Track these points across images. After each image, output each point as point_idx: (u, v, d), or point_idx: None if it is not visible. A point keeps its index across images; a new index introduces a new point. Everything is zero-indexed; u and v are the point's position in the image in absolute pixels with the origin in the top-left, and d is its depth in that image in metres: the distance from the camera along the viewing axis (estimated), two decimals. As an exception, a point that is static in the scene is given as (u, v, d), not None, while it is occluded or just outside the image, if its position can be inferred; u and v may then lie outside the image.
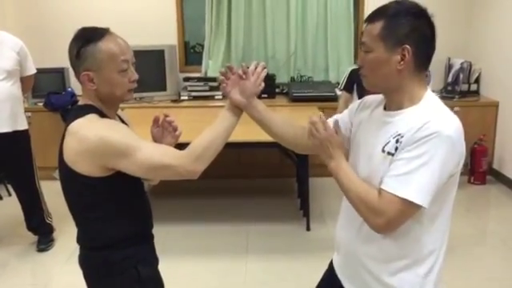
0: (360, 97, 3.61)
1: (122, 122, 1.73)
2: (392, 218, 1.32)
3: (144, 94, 4.89)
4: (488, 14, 5.00)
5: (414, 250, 1.41)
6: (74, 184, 1.57)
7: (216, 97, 5.08)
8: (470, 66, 5.11)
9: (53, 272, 3.31)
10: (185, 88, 5.18)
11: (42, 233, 3.62)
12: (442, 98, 5.07)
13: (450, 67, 5.21)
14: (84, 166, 1.51)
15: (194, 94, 5.10)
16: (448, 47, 5.28)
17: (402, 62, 1.36)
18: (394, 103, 1.44)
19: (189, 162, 1.51)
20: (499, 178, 4.91)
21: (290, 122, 1.71)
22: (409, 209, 1.31)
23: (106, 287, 1.66)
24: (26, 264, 3.45)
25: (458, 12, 5.27)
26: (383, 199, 1.32)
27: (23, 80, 3.53)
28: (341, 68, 5.22)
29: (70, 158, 1.52)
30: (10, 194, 4.46)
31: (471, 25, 5.27)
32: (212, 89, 5.10)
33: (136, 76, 1.60)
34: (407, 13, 1.37)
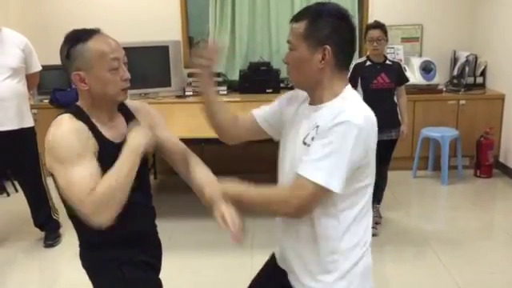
0: (364, 90, 3.61)
1: (129, 116, 1.71)
2: (305, 201, 1.39)
3: (149, 90, 4.90)
4: (493, 7, 4.96)
5: (333, 246, 1.48)
6: (56, 182, 1.58)
7: (220, 92, 5.08)
8: (476, 58, 5.08)
9: (60, 268, 3.33)
10: (189, 84, 5.18)
11: (49, 229, 3.64)
12: (448, 91, 5.08)
13: (455, 60, 5.18)
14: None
15: (198, 89, 5.08)
16: (453, 40, 5.25)
17: (322, 61, 1.44)
18: (316, 98, 1.51)
19: (90, 210, 1.44)
20: (505, 171, 4.88)
21: (229, 109, 1.76)
22: (320, 192, 1.37)
23: (98, 284, 1.70)
24: (33, 260, 3.47)
25: (463, 5, 5.23)
26: (296, 182, 1.40)
27: (29, 77, 3.54)
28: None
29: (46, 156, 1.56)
30: (16, 191, 4.49)
31: (477, 18, 5.23)
32: (216, 84, 5.09)
33: (128, 75, 1.58)
34: (329, 14, 1.44)
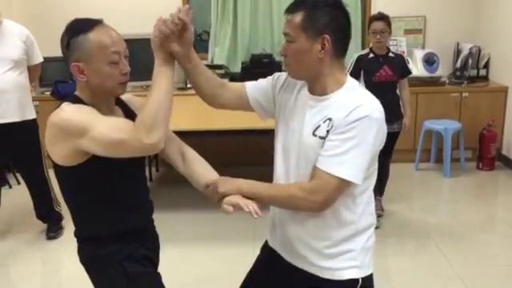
0: (367, 83, 3.59)
1: (126, 109, 1.69)
2: (329, 195, 1.43)
3: (149, 82, 4.76)
4: (497, -2, 4.93)
5: (340, 226, 1.52)
6: (57, 175, 1.58)
7: (222, 84, 5.06)
8: (479, 50, 5.05)
9: (62, 259, 3.33)
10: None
11: (51, 221, 3.65)
12: (451, 83, 5.06)
13: (458, 52, 5.15)
14: (58, 153, 1.50)
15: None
16: (456, 32, 5.22)
17: (322, 51, 1.45)
18: (317, 89, 1.52)
19: (142, 134, 1.38)
20: (508, 163, 4.87)
21: (213, 76, 1.74)
22: (343, 186, 1.43)
23: (97, 280, 1.68)
24: (35, 252, 3.49)
25: (466, -4, 5.21)
26: (319, 178, 1.43)
27: (30, 69, 3.53)
28: (348, 54, 5.17)
29: (48, 148, 1.53)
30: (19, 183, 4.50)
31: (480, 9, 5.20)
32: (218, 76, 5.06)
33: (128, 69, 1.56)
34: (325, 4, 1.45)
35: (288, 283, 1.66)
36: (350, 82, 1.52)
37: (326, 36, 1.43)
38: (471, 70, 5.02)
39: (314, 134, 1.47)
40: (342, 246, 1.54)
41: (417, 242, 3.49)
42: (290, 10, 1.48)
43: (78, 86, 1.59)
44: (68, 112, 1.48)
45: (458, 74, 5.07)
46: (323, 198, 1.43)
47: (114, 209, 1.61)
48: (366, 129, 1.40)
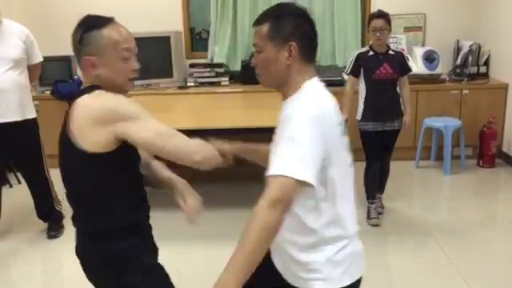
0: (367, 81, 3.59)
1: None
2: (274, 196, 1.29)
3: (150, 81, 4.89)
4: (497, -5, 4.92)
5: (304, 231, 1.50)
6: (78, 162, 1.56)
7: (222, 83, 5.07)
8: (479, 48, 5.05)
9: (63, 258, 3.34)
10: (191, 74, 5.17)
11: (52, 220, 3.65)
12: (451, 81, 5.05)
13: (458, 50, 5.15)
14: (92, 138, 1.51)
15: (200, 80, 5.09)
16: (457, 29, 5.22)
17: (290, 58, 1.49)
18: (285, 94, 1.55)
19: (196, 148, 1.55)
20: (508, 161, 4.87)
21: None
22: (291, 183, 1.30)
23: (110, 278, 1.66)
24: (36, 251, 3.49)
25: (466, -7, 5.20)
26: (268, 184, 1.32)
27: (30, 68, 3.53)
28: (348, 52, 5.18)
29: (77, 132, 1.52)
30: (19, 182, 4.50)
31: (480, 7, 5.20)
32: (218, 75, 5.08)
33: (137, 66, 1.61)
34: (289, 13, 1.51)
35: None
36: (310, 84, 1.51)
37: (293, 43, 1.48)
38: (471, 67, 5.02)
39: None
40: (307, 254, 1.52)
41: (417, 239, 3.49)
42: (257, 22, 1.54)
43: (86, 81, 1.62)
44: (111, 97, 1.54)
45: (458, 71, 5.07)
46: (268, 200, 1.29)
47: (131, 198, 1.64)
48: (296, 125, 1.37)
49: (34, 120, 3.52)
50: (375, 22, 3.49)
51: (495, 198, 4.32)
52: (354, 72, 3.64)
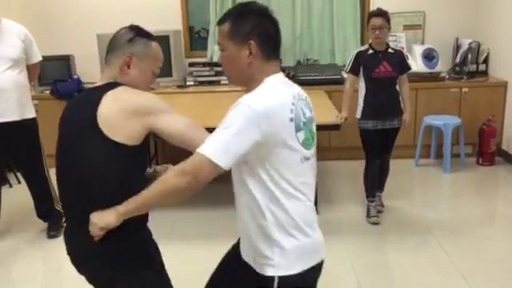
0: (366, 79, 3.59)
1: None
2: (186, 168, 1.46)
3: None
4: (496, -7, 4.92)
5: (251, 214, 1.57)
6: (104, 157, 1.58)
7: (222, 81, 5.06)
8: (479, 46, 5.05)
9: (63, 258, 3.31)
10: (190, 73, 5.17)
11: (52, 220, 3.65)
12: (450, 79, 5.05)
13: (458, 47, 5.15)
14: (126, 130, 1.59)
15: (199, 79, 5.09)
16: (456, 27, 5.22)
17: (250, 56, 1.54)
18: (249, 90, 1.57)
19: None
20: (508, 158, 4.87)
21: None
22: (206, 163, 1.43)
23: (119, 278, 1.67)
24: (36, 250, 3.49)
25: (465, -9, 5.20)
26: (191, 156, 1.47)
27: (29, 68, 3.53)
28: (347, 50, 5.18)
29: (110, 123, 1.58)
30: (19, 182, 4.50)
31: (479, 4, 5.19)
32: (218, 74, 5.08)
33: (154, 84, 1.76)
34: (249, 12, 1.56)
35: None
36: (265, 81, 1.54)
37: (252, 41, 1.52)
38: (471, 65, 5.02)
39: None
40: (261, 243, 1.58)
41: (417, 237, 3.49)
42: (220, 21, 1.58)
43: (105, 77, 1.72)
44: (144, 92, 1.69)
45: (457, 69, 5.06)
46: (181, 170, 1.46)
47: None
48: (236, 114, 1.44)
49: (33, 120, 3.51)
50: (374, 20, 3.49)
51: (495, 196, 4.32)
52: (354, 70, 3.64)
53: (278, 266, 1.56)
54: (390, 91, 3.60)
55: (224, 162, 1.43)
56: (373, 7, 4.68)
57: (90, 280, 1.74)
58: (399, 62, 3.60)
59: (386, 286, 2.94)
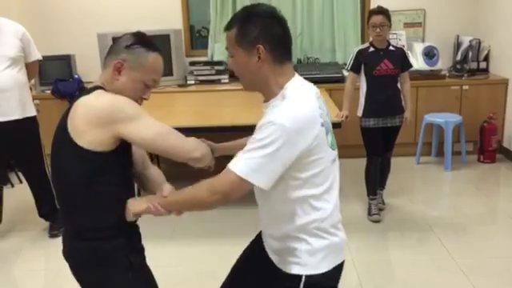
0: (367, 77, 3.59)
1: None
2: (219, 187, 1.47)
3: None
4: (497, -10, 4.92)
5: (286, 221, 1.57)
6: (72, 160, 1.58)
7: (222, 80, 5.07)
8: (479, 43, 5.05)
9: (65, 257, 3.34)
10: (191, 72, 5.17)
11: (54, 219, 3.65)
12: (451, 76, 5.05)
13: (458, 45, 5.15)
14: (91, 136, 1.54)
15: (200, 78, 5.09)
16: (456, 25, 5.22)
17: (260, 61, 1.50)
18: (267, 96, 1.58)
19: (192, 146, 1.61)
20: (509, 156, 4.87)
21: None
22: (237, 182, 1.44)
23: (98, 278, 1.67)
24: (38, 250, 3.50)
25: (466, -11, 5.19)
26: (222, 173, 1.47)
27: (28, 66, 3.53)
28: (348, 48, 5.18)
29: (76, 129, 1.55)
30: (21, 182, 4.51)
31: (479, 2, 5.19)
32: (218, 73, 5.08)
33: (148, 97, 1.69)
34: (256, 16, 1.51)
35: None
36: (289, 86, 1.53)
37: (260, 46, 1.48)
38: (471, 62, 5.02)
39: None
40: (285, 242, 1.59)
41: (418, 234, 3.50)
42: (227, 27, 1.55)
43: (99, 80, 1.67)
44: (112, 97, 1.59)
45: (458, 66, 5.06)
46: (213, 189, 1.48)
47: (121, 198, 1.65)
48: (269, 134, 1.41)
49: (34, 118, 3.52)
50: (375, 18, 3.49)
51: (496, 193, 4.32)
52: (355, 68, 3.64)
53: (305, 265, 1.56)
54: (392, 89, 3.60)
55: (262, 183, 1.43)
56: (373, 5, 4.67)
57: (76, 279, 1.74)
58: (400, 59, 3.60)
59: (387, 283, 2.94)
